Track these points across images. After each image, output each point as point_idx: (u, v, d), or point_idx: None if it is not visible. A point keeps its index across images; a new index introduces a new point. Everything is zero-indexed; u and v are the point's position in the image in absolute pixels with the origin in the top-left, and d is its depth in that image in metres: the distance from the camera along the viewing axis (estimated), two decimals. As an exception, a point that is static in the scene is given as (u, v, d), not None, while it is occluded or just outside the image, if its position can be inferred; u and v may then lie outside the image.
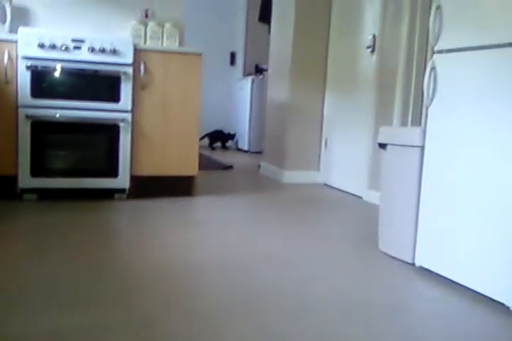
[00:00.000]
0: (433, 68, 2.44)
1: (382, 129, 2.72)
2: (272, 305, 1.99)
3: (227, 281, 2.22)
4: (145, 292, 2.05)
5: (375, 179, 4.18)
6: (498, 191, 2.08)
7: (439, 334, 1.81)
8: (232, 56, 8.86)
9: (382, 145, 2.70)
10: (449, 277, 2.32)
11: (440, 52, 2.41)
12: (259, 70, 8.22)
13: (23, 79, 3.55)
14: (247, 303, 1.99)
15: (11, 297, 1.93)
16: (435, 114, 2.41)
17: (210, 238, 2.91)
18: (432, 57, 2.48)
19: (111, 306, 1.89)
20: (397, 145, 2.59)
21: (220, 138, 8.16)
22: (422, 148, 2.46)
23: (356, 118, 4.59)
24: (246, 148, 7.88)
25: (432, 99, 2.43)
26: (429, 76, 2.44)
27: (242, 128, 8.04)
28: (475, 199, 2.18)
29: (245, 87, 7.99)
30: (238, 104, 8.38)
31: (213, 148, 8.13)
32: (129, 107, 3.74)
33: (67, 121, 3.63)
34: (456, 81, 2.31)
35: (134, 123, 3.78)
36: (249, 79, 7.87)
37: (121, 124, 3.72)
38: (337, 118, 4.91)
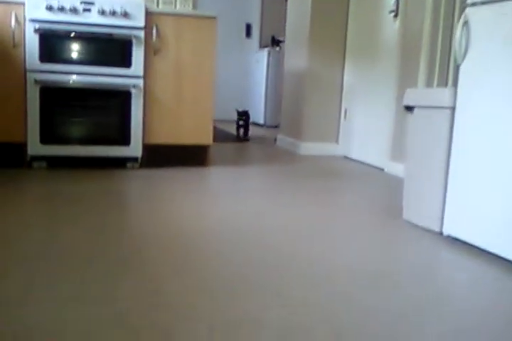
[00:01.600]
0: (465, 23, 2.25)
1: (409, 91, 2.55)
2: (292, 272, 1.86)
3: (241, 250, 2.10)
4: (155, 258, 1.94)
5: (397, 150, 4.01)
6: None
7: (468, 303, 1.67)
8: (248, 28, 8.64)
9: (409, 108, 2.53)
10: (479, 246, 2.17)
11: (474, 4, 2.23)
12: (275, 42, 8.02)
13: (32, 43, 3.41)
14: (264, 270, 1.87)
15: (26, 260, 1.82)
16: (467, 72, 2.24)
17: (224, 207, 2.79)
18: (462, 12, 2.29)
19: (121, 272, 1.78)
20: (425, 107, 2.42)
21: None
22: (453, 109, 2.29)
23: (378, 86, 4.40)
24: (261, 121, 7.72)
25: (464, 57, 2.25)
26: (461, 31, 2.26)
27: (258, 101, 7.87)
28: (510, 165, 2.02)
29: (261, 59, 7.79)
30: (254, 77, 8.20)
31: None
32: (141, 73, 3.59)
33: (76, 86, 3.50)
34: (491, 36, 2.13)
35: (146, 89, 3.64)
36: (266, 51, 7.66)
37: (133, 90, 3.58)
38: (357, 88, 4.72)
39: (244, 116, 5.87)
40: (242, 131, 5.96)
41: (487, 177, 2.12)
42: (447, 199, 2.32)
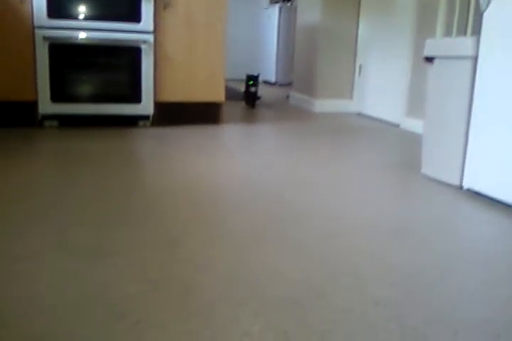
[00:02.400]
0: (491, -33, 2.15)
1: (430, 41, 2.46)
2: (311, 227, 1.84)
3: (258, 205, 2.07)
4: (171, 213, 1.92)
5: (413, 105, 3.93)
6: None
7: (492, 256, 1.64)
8: (258, -17, 8.41)
9: (429, 60, 2.44)
10: (501, 199, 2.13)
11: None
12: (286, -3, 7.81)
13: (38, -2, 3.32)
14: (282, 224, 1.84)
15: (39, 217, 1.81)
16: (492, 20, 2.14)
17: (238, 164, 2.75)
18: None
19: (135, 225, 1.77)
20: (446, 57, 2.34)
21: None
22: (475, 58, 2.21)
23: (393, 40, 4.28)
24: (273, 80, 7.60)
25: (489, 3, 2.16)
26: (487, -24, 2.16)
27: (269, 59, 7.72)
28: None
29: (272, 15, 7.61)
30: (265, 34, 8.03)
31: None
32: (151, 28, 3.50)
33: (86, 43, 3.42)
34: (518, -21, 2.03)
35: (156, 45, 3.56)
36: (277, 7, 7.47)
37: (143, 46, 3.50)
38: (372, 42, 4.60)
39: (253, 80, 4.89)
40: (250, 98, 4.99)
41: (510, 128, 2.06)
42: (468, 152, 2.27)
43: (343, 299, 1.33)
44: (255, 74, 5.07)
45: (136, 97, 3.57)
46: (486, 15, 2.17)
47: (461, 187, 2.34)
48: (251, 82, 4.87)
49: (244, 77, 5.00)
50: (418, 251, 1.66)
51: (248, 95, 4.97)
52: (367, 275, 1.47)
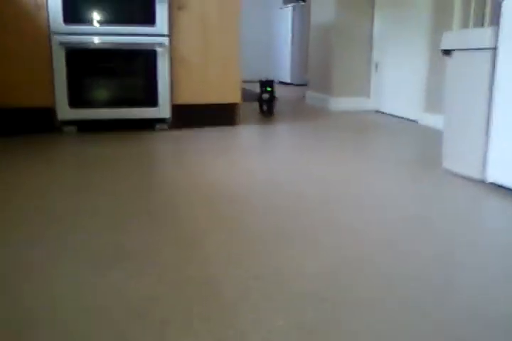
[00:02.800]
0: (508, -44, 2.11)
1: (447, 34, 2.43)
2: (331, 221, 1.82)
3: (278, 202, 2.06)
4: (191, 213, 1.92)
5: (431, 101, 3.89)
6: None
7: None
8: (271, -16, 8.40)
9: (447, 52, 2.41)
10: (526, 192, 2.09)
11: None
12: (300, -2, 7.78)
13: (54, 4, 3.35)
14: (302, 220, 1.83)
15: (58, 220, 1.82)
16: (511, 9, 2.11)
17: (256, 164, 2.74)
18: None
19: (154, 226, 1.76)
20: (464, 49, 2.31)
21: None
22: (495, 50, 2.17)
23: (409, 35, 4.24)
24: (288, 80, 7.59)
25: (507, -7, 2.12)
26: (504, -34, 2.12)
27: (284, 59, 7.71)
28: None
29: (286, 15, 7.59)
30: (278, 35, 8.02)
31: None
32: (166, 30, 3.51)
33: (102, 47, 3.44)
34: (536, -32, 1.99)
35: (171, 47, 3.56)
36: (290, 7, 7.46)
37: (159, 49, 3.51)
38: (388, 39, 4.56)
39: (268, 86, 4.36)
40: (265, 106, 4.48)
41: (533, 119, 2.02)
42: (490, 145, 2.23)
43: (368, 293, 1.31)
44: (269, 78, 4.59)
45: (152, 100, 3.59)
46: (505, 4, 2.14)
47: (483, 181, 2.30)
48: (268, 88, 4.35)
49: (259, 80, 4.49)
50: (439, 243, 1.63)
51: (262, 103, 4.48)
52: (392, 270, 1.45)
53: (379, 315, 1.21)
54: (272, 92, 4.37)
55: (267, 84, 4.37)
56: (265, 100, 4.42)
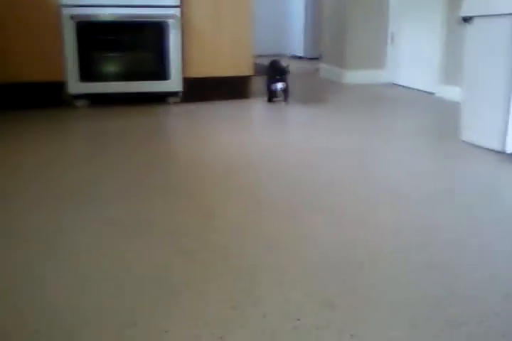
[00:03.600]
0: None
1: (467, 0, 2.35)
2: (351, 193, 1.79)
3: (289, 174, 2.02)
4: (205, 185, 1.89)
5: (449, 72, 3.79)
6: None
7: (546, 220, 1.57)
8: (283, -44, 8.22)
9: (467, 19, 2.33)
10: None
11: None
12: (312, -31, 7.60)
13: (63, -24, 3.28)
14: (317, 191, 1.80)
15: (75, 192, 1.80)
16: (535, -28, 2.02)
17: (268, 137, 2.70)
18: None
19: (169, 197, 1.74)
20: (485, 16, 2.23)
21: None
22: (518, 15, 2.09)
23: (426, 5, 4.12)
24: (301, 54, 7.47)
25: (531, -44, 2.03)
26: None
27: (297, 32, 7.58)
28: None
29: (299, -12, 7.44)
30: (291, 7, 7.87)
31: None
32: (177, 1, 3.44)
33: (113, 20, 3.38)
34: None
35: (183, 19, 3.49)
36: (303, -22, 7.29)
37: (170, 21, 3.44)
38: (404, 9, 4.45)
39: (281, 72, 3.50)
40: (277, 93, 3.59)
41: (557, 87, 1.95)
42: (511, 117, 2.17)
43: (386, 266, 1.28)
44: (280, 59, 3.75)
45: (164, 74, 3.53)
46: (528, -32, 2.05)
47: (504, 152, 2.25)
48: (277, 76, 3.46)
49: (267, 65, 3.72)
50: (462, 216, 1.59)
51: (273, 93, 3.58)
52: (409, 241, 1.41)
53: (396, 285, 1.18)
54: (285, 80, 3.48)
55: (278, 71, 3.47)
56: (274, 89, 3.54)
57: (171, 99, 3.62)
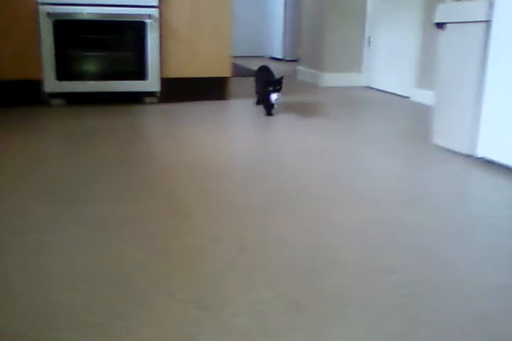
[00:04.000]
0: None
1: (441, 6, 2.39)
2: (320, 194, 1.81)
3: (262, 177, 2.04)
4: (180, 185, 1.90)
5: (423, 76, 3.86)
6: None
7: (505, 221, 1.61)
8: (263, -43, 8.25)
9: (440, 25, 2.38)
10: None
11: None
12: (292, -28, 7.65)
13: (40, -26, 3.27)
14: (290, 194, 1.82)
15: (46, 192, 1.80)
16: (505, -19, 2.07)
17: (243, 138, 2.72)
18: None
19: (143, 198, 1.75)
20: (458, 22, 2.28)
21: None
22: (489, 23, 2.14)
23: (403, 10, 4.18)
24: (280, 56, 7.51)
25: (502, -35, 2.08)
26: None
27: (277, 34, 7.62)
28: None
29: (278, -10, 7.47)
30: (271, 9, 7.91)
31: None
32: (156, 1, 3.44)
33: (90, 18, 3.37)
34: None
35: (161, 19, 3.50)
36: (283, -19, 7.33)
37: (148, 21, 3.44)
38: (381, 13, 4.50)
39: (276, 83, 3.17)
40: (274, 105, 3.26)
41: (525, 94, 2.00)
42: (482, 121, 2.22)
43: (355, 266, 1.30)
44: (272, 71, 3.45)
45: (142, 74, 3.53)
46: (499, -23, 2.10)
47: (473, 156, 2.30)
48: (272, 87, 3.14)
49: (258, 74, 3.54)
50: (431, 216, 1.63)
51: (270, 106, 3.25)
52: (378, 242, 1.44)
53: (363, 286, 1.21)
54: (280, 90, 3.17)
55: (274, 82, 3.17)
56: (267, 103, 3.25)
57: (149, 99, 3.62)
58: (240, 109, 3.54)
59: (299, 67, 5.35)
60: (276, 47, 7.66)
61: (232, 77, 3.90)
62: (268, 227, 1.53)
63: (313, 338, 1.00)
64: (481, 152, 2.24)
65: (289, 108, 3.57)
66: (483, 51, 2.17)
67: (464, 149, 2.32)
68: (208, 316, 1.07)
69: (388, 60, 4.44)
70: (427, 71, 3.80)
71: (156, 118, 3.16)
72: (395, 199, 1.79)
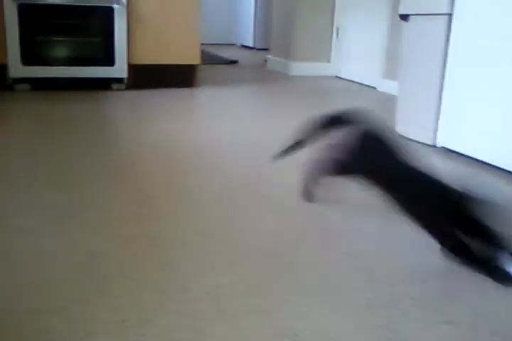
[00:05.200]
0: None
1: (405, -1, 2.43)
2: (275, 182, 1.85)
3: (223, 163, 2.07)
4: (140, 172, 1.91)
5: (390, 67, 3.91)
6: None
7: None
8: None
9: (404, 17, 2.42)
10: (474, 156, 2.15)
11: None
12: (264, -41, 7.62)
13: (4, -44, 3.20)
14: (248, 182, 1.85)
15: (8, 177, 1.79)
16: (467, -25, 2.12)
17: (211, 125, 2.73)
18: None
19: (105, 184, 1.75)
20: (421, 14, 2.32)
21: None
22: (450, 16, 2.19)
23: (371, 1, 4.22)
24: (251, 44, 7.50)
25: (464, -41, 2.13)
26: None
27: (247, 22, 7.61)
28: (506, 74, 1.95)
29: (249, -22, 7.45)
30: (242, -2, 7.88)
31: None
32: (123, -13, 3.41)
33: (57, 2, 3.32)
34: None
35: (129, 5, 3.46)
36: (254, -32, 7.31)
37: (116, 7, 3.41)
38: (350, 3, 4.54)
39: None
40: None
41: (484, 87, 2.06)
42: (442, 110, 2.28)
43: (307, 254, 1.34)
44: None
45: (109, 60, 3.50)
46: (461, -30, 2.15)
47: (435, 146, 2.35)
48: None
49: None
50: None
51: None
52: (329, 230, 1.48)
53: (318, 272, 1.25)
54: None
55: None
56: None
57: (116, 86, 3.59)
58: (206, 97, 3.54)
59: (269, 56, 5.36)
60: (247, 35, 7.65)
61: (202, 64, 3.89)
62: (228, 212, 1.56)
63: (268, 320, 1.03)
64: (441, 142, 2.30)
65: (255, 97, 3.59)
66: (444, 43, 2.22)
67: (425, 139, 2.38)
68: (166, 301, 1.09)
69: (356, 50, 4.48)
70: (393, 62, 3.86)
71: (123, 105, 3.15)
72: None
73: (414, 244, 1.40)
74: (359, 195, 1.64)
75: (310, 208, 1.63)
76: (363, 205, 1.66)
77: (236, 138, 2.45)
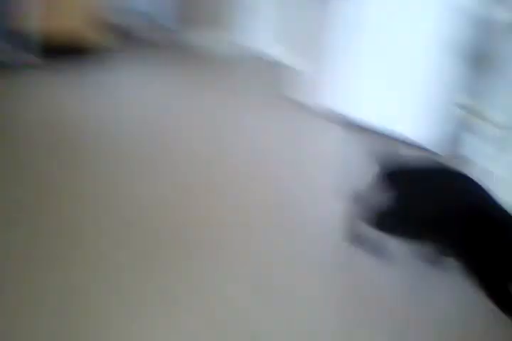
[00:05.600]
0: None
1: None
2: (189, 152, 2.01)
3: (116, 139, 2.14)
4: (25, 148, 1.94)
5: (279, 33, 4.06)
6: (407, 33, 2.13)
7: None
8: None
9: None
10: (352, 116, 2.44)
11: None
12: None
13: None
14: (143, 154, 1.98)
15: None
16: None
17: (103, 99, 2.74)
18: None
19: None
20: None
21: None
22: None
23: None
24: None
25: None
26: None
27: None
28: (386, 38, 2.20)
29: None
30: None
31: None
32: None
33: None
34: None
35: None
36: None
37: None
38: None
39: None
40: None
41: (364, 50, 2.32)
42: (326, 74, 2.51)
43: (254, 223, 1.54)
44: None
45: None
46: None
47: (320, 106, 2.61)
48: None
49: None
50: (290, 171, 1.96)
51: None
52: (250, 201, 1.71)
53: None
54: None
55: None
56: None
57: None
58: (104, 73, 3.44)
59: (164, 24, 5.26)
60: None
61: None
62: (116, 182, 1.69)
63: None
64: (326, 103, 2.56)
65: (152, 69, 3.55)
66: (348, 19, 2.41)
67: (311, 101, 2.62)
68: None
69: (250, 16, 4.56)
70: (282, 28, 3.98)
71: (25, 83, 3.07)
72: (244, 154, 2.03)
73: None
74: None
75: (205, 179, 1.83)
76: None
77: (129, 114, 2.50)
